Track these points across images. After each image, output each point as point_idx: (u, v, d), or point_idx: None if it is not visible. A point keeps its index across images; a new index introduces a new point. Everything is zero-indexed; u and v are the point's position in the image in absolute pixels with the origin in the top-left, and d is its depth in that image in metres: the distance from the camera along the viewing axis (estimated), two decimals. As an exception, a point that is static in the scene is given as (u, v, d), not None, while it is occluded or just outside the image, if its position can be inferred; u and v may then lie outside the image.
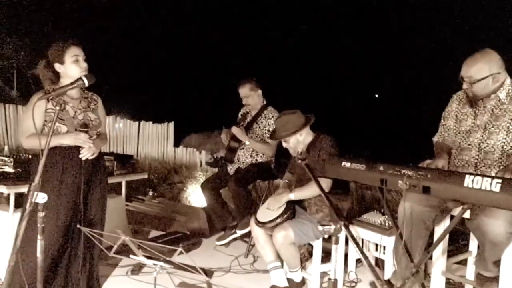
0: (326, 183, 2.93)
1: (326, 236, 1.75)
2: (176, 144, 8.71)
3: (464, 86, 2.54)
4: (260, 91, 4.09)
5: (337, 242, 1.71)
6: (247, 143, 3.95)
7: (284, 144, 3.17)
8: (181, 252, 1.66)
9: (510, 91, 2.52)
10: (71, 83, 2.28)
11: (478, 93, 2.52)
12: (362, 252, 1.70)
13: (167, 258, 1.72)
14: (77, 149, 2.59)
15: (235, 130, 3.97)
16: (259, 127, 4.03)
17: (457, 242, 3.86)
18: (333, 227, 1.71)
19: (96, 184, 2.76)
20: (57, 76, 2.63)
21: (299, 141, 3.11)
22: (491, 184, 1.91)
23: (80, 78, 2.27)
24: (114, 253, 1.89)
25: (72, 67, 2.58)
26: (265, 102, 4.12)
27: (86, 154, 2.61)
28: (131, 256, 1.82)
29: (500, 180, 1.89)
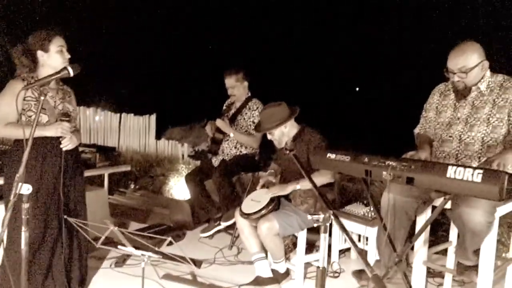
0: (329, 173, 2.97)
1: (315, 225, 1.76)
2: (158, 137, 8.65)
3: (456, 78, 2.57)
4: (246, 83, 4.08)
5: (325, 231, 1.74)
6: (231, 135, 3.94)
7: (269, 136, 3.18)
8: (170, 242, 1.67)
9: (490, 82, 2.58)
10: (56, 73, 2.24)
11: (472, 82, 2.56)
12: (351, 239, 1.73)
13: (156, 249, 1.72)
14: (57, 140, 2.56)
15: (219, 122, 3.96)
16: (244, 118, 4.03)
17: (436, 232, 3.95)
18: (322, 216, 1.73)
19: (76, 175, 2.74)
20: (34, 64, 2.58)
21: (284, 133, 3.12)
22: (473, 174, 1.96)
23: (65, 68, 2.23)
24: (103, 244, 1.88)
25: (56, 56, 2.54)
26: (249, 94, 4.12)
27: (68, 144, 2.58)
28: (118, 247, 1.81)
29: (481, 171, 1.94)
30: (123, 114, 8.79)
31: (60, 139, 2.56)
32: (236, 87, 4.02)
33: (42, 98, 2.01)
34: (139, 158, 7.77)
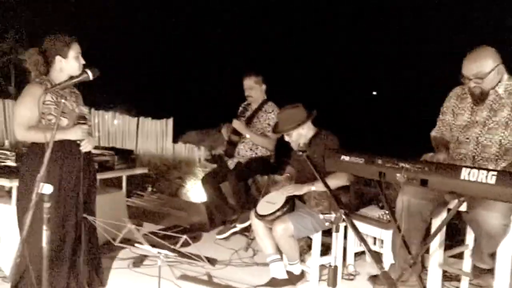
0: (344, 175, 3.00)
1: (327, 224, 1.78)
2: (175, 141, 8.75)
3: (472, 84, 2.56)
4: (264, 86, 4.19)
5: (337, 230, 1.76)
6: (247, 136, 4.00)
7: (286, 138, 3.22)
8: (185, 241, 1.70)
9: (508, 86, 2.57)
10: (77, 76, 2.31)
11: (489, 86, 2.55)
12: (361, 239, 1.75)
13: (172, 247, 1.76)
14: (74, 142, 2.62)
15: (236, 123, 4.03)
16: (259, 121, 4.09)
17: (453, 237, 3.92)
18: (333, 215, 1.75)
19: (91, 177, 2.80)
20: (48, 68, 2.64)
21: (301, 135, 3.16)
22: (486, 176, 1.96)
23: (85, 72, 2.30)
24: (121, 242, 1.93)
25: (73, 62, 2.61)
26: (265, 97, 4.18)
27: (87, 146, 2.65)
28: (135, 245, 1.86)
29: (495, 173, 1.94)
30: (141, 118, 8.92)
31: (79, 141, 2.63)
32: (254, 89, 4.11)
33: (63, 101, 2.07)
34: (157, 161, 7.87)
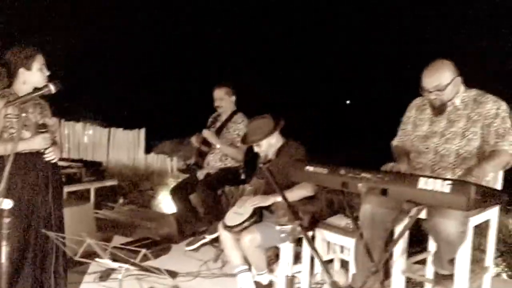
0: (311, 186, 3.05)
1: (282, 235, 1.82)
2: (149, 151, 8.67)
3: (432, 96, 2.66)
4: (234, 97, 4.23)
5: (293, 241, 1.79)
6: (218, 146, 4.02)
7: (256, 149, 3.25)
8: (144, 255, 1.71)
9: (464, 97, 2.68)
10: (39, 89, 2.29)
11: (447, 98, 2.65)
12: (313, 249, 1.79)
13: (132, 260, 1.76)
14: (37, 155, 2.59)
15: (206, 133, 4.05)
16: (229, 131, 4.12)
17: (420, 244, 4.01)
18: (289, 226, 1.78)
19: (55, 189, 2.75)
20: (10, 80, 2.62)
21: (271, 144, 3.20)
22: (442, 185, 2.03)
23: (47, 85, 2.28)
24: (80, 257, 1.91)
25: (38, 74, 2.59)
26: (235, 109, 4.22)
27: (52, 155, 2.62)
28: (96, 259, 1.85)
29: (450, 182, 2.01)
30: (112, 129, 8.82)
31: (42, 152, 2.60)
32: (224, 100, 4.15)
33: (23, 115, 2.06)
34: (128, 172, 7.79)
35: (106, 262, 1.82)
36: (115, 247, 1.78)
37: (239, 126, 4.08)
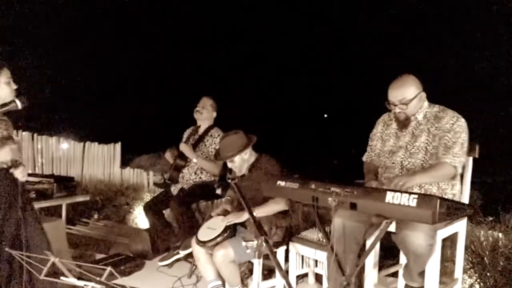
0: (283, 201, 3.05)
1: (248, 251, 1.82)
2: (126, 165, 8.57)
3: (397, 110, 2.73)
4: (215, 113, 4.27)
5: (259, 257, 1.79)
6: (194, 160, 4.00)
7: (229, 164, 3.25)
8: (110, 272, 1.69)
9: (427, 113, 2.75)
10: (4, 105, 2.27)
11: (412, 112, 2.72)
12: (277, 264, 1.80)
13: (98, 279, 1.74)
14: (4, 171, 2.55)
15: (183, 147, 4.03)
16: (205, 145, 4.12)
17: (394, 257, 4.05)
18: (255, 242, 1.79)
19: (24, 206, 2.69)
20: None
21: (244, 160, 3.21)
22: (408, 199, 2.08)
23: (13, 101, 2.26)
24: (46, 276, 1.87)
25: (5, 88, 2.55)
26: (212, 123, 4.23)
27: (23, 174, 2.57)
28: (61, 278, 1.82)
29: (416, 196, 2.06)
30: (87, 143, 8.70)
31: (12, 170, 2.55)
32: (207, 110, 4.17)
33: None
34: (103, 187, 7.68)
35: (72, 281, 1.79)
36: (80, 265, 1.75)
37: (215, 140, 4.08)
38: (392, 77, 2.78)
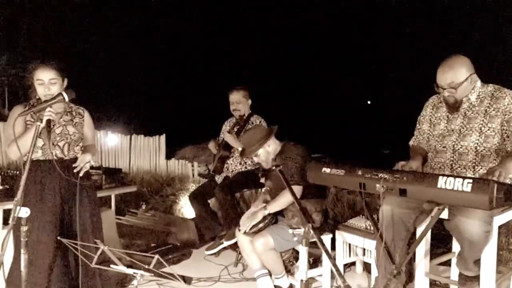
0: (296, 190, 2.97)
1: (295, 239, 1.78)
2: (171, 157, 8.74)
3: (446, 93, 2.58)
4: (250, 101, 4.21)
5: (306, 244, 1.76)
6: (239, 149, 4.00)
7: (256, 159, 3.22)
8: (158, 260, 1.70)
9: (480, 93, 2.59)
10: (52, 99, 2.33)
11: (462, 95, 2.57)
12: (326, 251, 1.75)
13: (146, 267, 1.76)
14: (60, 161, 2.61)
15: (227, 137, 4.03)
16: None
17: (446, 245, 3.91)
18: (302, 229, 1.75)
19: (83, 197, 2.74)
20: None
21: (269, 152, 3.15)
22: (462, 184, 1.97)
23: (61, 94, 2.32)
24: (96, 264, 1.92)
25: (38, 89, 2.62)
26: (250, 111, 4.21)
27: (82, 166, 2.63)
28: (111, 266, 1.85)
29: (471, 180, 1.95)
30: (133, 136, 8.93)
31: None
32: (242, 103, 4.14)
33: (38, 123, 2.09)
34: (150, 178, 7.86)
35: (121, 269, 1.82)
36: (129, 253, 1.78)
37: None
38: (440, 59, 2.63)
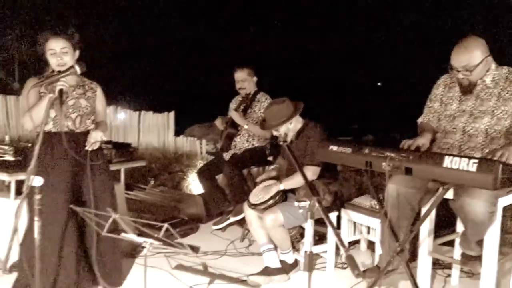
0: (313, 171, 3.02)
1: (300, 211, 1.82)
2: (177, 134, 8.79)
3: (460, 76, 2.56)
4: (255, 78, 4.22)
5: (312, 217, 1.80)
6: (245, 126, 4.03)
7: (275, 133, 3.25)
8: (167, 229, 1.75)
9: (495, 75, 2.57)
10: (65, 71, 2.36)
11: (477, 78, 2.55)
12: (330, 223, 1.79)
13: (155, 235, 1.81)
14: (60, 134, 2.61)
15: (233, 114, 4.06)
16: (254, 111, 4.13)
17: (450, 225, 3.93)
18: (308, 202, 1.79)
19: (95, 168, 2.78)
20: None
21: (289, 129, 3.17)
22: (468, 164, 1.99)
23: (73, 66, 2.35)
24: (107, 232, 1.98)
25: (50, 59, 2.63)
26: (257, 89, 4.22)
27: (92, 143, 2.68)
28: (122, 234, 1.91)
29: (476, 160, 1.97)
30: (142, 112, 8.98)
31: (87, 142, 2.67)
32: (247, 81, 4.15)
33: (50, 95, 2.13)
34: (158, 154, 7.94)
35: (131, 237, 1.88)
36: (138, 222, 1.83)
37: (263, 104, 4.08)
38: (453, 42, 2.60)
